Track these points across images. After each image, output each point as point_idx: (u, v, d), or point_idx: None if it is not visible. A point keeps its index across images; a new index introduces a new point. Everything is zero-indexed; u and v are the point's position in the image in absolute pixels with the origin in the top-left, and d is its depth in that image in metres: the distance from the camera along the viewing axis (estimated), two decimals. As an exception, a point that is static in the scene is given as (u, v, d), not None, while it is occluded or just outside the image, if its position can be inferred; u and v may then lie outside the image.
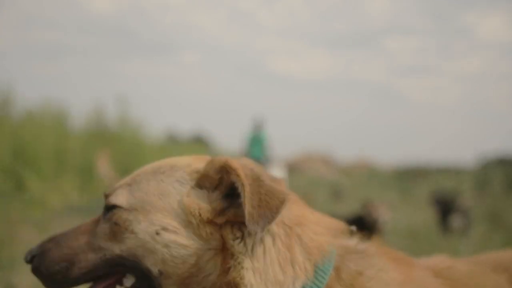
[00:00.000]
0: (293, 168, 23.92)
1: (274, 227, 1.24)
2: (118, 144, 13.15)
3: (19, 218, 7.47)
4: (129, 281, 1.29)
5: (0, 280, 4.27)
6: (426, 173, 26.35)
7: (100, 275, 1.31)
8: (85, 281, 1.33)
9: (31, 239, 6.24)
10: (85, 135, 12.94)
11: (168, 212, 1.25)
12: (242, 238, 1.22)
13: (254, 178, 1.21)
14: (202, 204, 1.25)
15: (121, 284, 1.30)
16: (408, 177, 24.87)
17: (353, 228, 1.38)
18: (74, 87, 28.22)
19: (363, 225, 5.85)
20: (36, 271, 1.33)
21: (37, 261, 1.33)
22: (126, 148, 13.68)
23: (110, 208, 1.31)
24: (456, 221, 8.03)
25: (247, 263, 1.20)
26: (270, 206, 1.17)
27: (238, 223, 1.22)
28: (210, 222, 1.23)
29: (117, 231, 1.27)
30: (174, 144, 22.48)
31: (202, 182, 1.27)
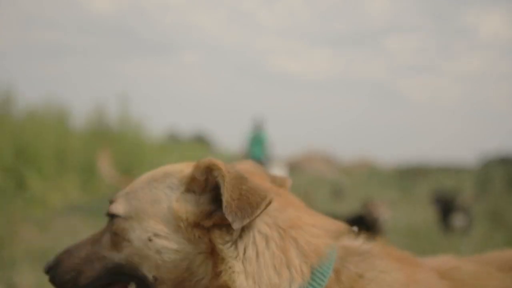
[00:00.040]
0: (293, 168, 23.93)
1: (268, 229, 1.24)
2: (119, 143, 13.16)
3: (20, 217, 7.48)
4: None
5: (1, 279, 4.28)
6: (426, 172, 26.35)
7: (107, 283, 1.34)
8: None
9: (32, 238, 6.25)
10: (86, 135, 12.95)
11: (159, 218, 1.27)
12: (234, 242, 1.21)
13: (237, 176, 1.22)
14: (189, 208, 1.25)
15: None
16: (408, 176, 24.87)
17: (355, 228, 1.36)
18: (75, 86, 28.24)
19: (364, 224, 5.85)
20: (52, 281, 1.39)
21: (52, 271, 1.39)
22: (127, 148, 13.69)
23: (111, 217, 1.34)
24: (457, 220, 8.03)
25: (238, 266, 1.20)
26: (250, 201, 1.16)
27: (226, 227, 1.21)
28: (197, 225, 1.24)
29: (116, 240, 1.31)
30: (175, 144, 22.50)
31: (191, 186, 1.28)
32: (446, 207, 8.28)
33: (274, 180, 1.49)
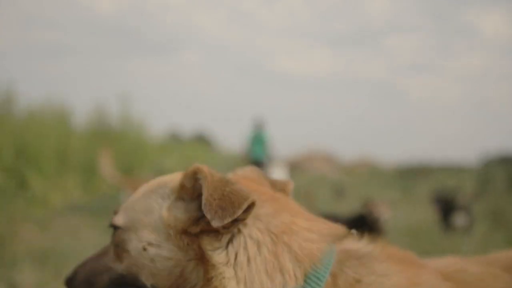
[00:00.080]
0: (294, 167, 23.93)
1: (259, 235, 1.23)
2: (120, 143, 13.17)
3: (20, 217, 7.49)
4: None
5: (1, 278, 4.28)
6: (428, 171, 26.31)
7: None
8: None
9: (32, 238, 6.26)
10: (87, 134, 12.96)
11: (152, 228, 1.29)
12: (225, 248, 1.22)
13: (221, 179, 1.23)
14: (178, 215, 1.26)
15: None
16: (409, 175, 24.85)
17: (353, 232, 1.34)
18: (76, 86, 28.27)
19: (365, 223, 5.85)
20: None
21: (70, 283, 1.43)
22: (128, 147, 13.71)
23: (114, 229, 1.37)
24: (458, 219, 8.02)
25: (228, 272, 1.20)
26: (233, 201, 1.17)
27: (215, 233, 1.22)
28: (185, 232, 1.24)
29: (118, 251, 1.34)
30: (176, 144, 22.52)
31: (181, 194, 1.29)
32: (446, 207, 8.27)
33: (274, 185, 1.49)
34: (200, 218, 1.23)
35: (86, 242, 5.99)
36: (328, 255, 1.24)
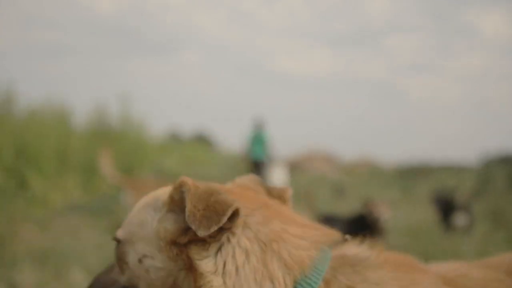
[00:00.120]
0: (295, 167, 23.91)
1: (248, 243, 1.23)
2: (120, 143, 13.18)
3: (20, 217, 7.49)
4: None
5: (1, 278, 4.29)
6: (428, 171, 26.30)
7: None
8: None
9: (32, 238, 6.26)
10: (87, 134, 12.96)
11: (147, 240, 1.32)
12: (213, 257, 1.23)
13: (207, 189, 1.24)
14: (168, 226, 1.29)
15: None
16: (410, 175, 24.84)
17: (347, 237, 1.33)
18: (76, 86, 28.24)
19: (365, 223, 5.85)
20: None
21: None
22: (128, 147, 13.71)
23: (117, 242, 1.42)
24: (458, 219, 8.02)
25: (217, 281, 1.20)
26: (217, 210, 1.18)
27: (202, 242, 1.23)
28: (174, 243, 1.27)
29: (120, 264, 1.39)
30: (176, 144, 22.55)
31: (172, 206, 1.31)
32: (446, 206, 8.27)
33: (271, 192, 1.49)
34: (188, 228, 1.24)
35: (86, 242, 5.99)
36: (322, 262, 1.23)
